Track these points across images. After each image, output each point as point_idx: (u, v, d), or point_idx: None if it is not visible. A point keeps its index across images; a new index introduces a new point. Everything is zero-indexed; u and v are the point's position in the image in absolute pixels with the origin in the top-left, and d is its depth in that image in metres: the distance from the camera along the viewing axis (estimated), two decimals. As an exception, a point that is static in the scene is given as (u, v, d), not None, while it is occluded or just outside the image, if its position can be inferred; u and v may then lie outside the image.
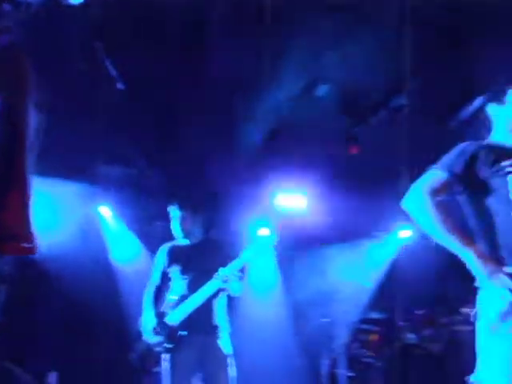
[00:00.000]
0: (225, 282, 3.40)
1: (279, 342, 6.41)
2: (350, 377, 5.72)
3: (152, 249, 4.26)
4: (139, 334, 3.64)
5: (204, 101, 4.85)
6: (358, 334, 6.08)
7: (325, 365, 6.16)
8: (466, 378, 1.94)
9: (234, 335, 3.68)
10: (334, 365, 6.07)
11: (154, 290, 3.74)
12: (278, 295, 7.05)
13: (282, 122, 4.97)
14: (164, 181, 5.76)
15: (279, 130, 5.12)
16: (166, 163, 5.65)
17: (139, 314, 3.73)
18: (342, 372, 5.62)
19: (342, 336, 6.09)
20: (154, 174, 5.76)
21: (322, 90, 4.55)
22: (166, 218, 3.84)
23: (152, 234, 5.90)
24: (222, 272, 3.40)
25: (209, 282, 3.44)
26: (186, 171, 5.54)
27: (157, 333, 3.53)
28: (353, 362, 5.85)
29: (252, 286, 6.71)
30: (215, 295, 3.53)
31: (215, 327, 3.56)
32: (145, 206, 5.96)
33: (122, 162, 5.72)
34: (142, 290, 3.79)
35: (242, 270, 3.50)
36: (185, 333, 3.46)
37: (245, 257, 3.51)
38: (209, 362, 3.48)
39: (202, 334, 3.49)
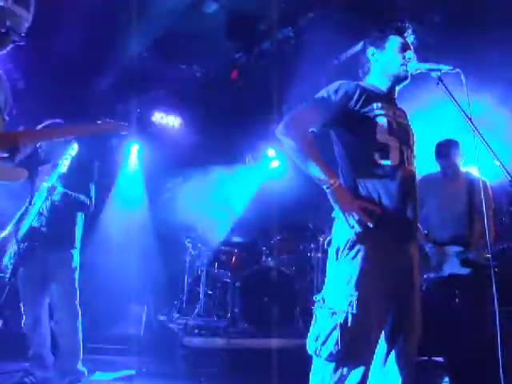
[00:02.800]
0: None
1: (143, 260, 6.45)
2: (208, 294, 5.98)
3: None
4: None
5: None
6: (219, 254, 6.29)
7: (187, 282, 6.36)
8: (314, 297, 2.12)
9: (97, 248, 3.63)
10: (195, 282, 6.28)
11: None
12: (144, 214, 7.01)
13: (166, 33, 4.73)
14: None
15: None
16: None
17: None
18: (203, 289, 5.85)
19: (205, 256, 6.28)
20: None
21: (210, 7, 4.37)
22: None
23: None
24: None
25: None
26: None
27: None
28: (212, 280, 6.09)
29: (119, 203, 6.59)
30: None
31: (69, 240, 3.61)
32: None
33: None
34: None
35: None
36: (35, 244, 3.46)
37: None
38: (60, 274, 3.53)
39: (54, 246, 3.52)
